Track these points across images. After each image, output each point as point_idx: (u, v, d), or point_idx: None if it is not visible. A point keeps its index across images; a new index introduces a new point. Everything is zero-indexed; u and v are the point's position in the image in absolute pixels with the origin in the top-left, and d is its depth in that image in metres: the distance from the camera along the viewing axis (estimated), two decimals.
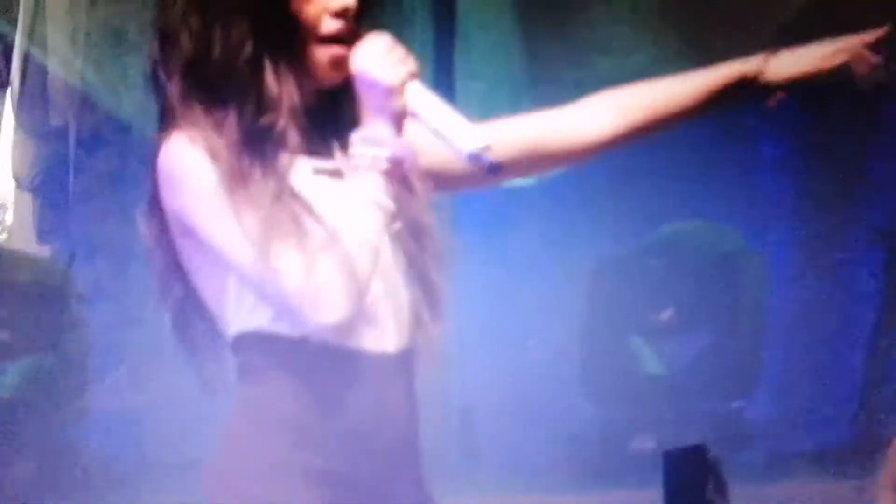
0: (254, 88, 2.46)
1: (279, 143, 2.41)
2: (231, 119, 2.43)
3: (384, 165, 2.44)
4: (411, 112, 2.45)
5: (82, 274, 3.55)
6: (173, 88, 2.44)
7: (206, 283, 2.52)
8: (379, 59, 2.45)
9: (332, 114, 2.56)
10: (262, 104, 2.45)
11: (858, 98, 3.49)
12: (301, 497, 2.47)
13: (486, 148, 2.38)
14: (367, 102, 2.45)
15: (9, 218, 2.96)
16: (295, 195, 2.43)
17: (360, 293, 2.44)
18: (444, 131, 2.43)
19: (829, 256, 4.48)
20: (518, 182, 4.43)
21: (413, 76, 2.44)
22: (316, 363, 2.59)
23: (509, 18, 4.50)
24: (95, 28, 3.93)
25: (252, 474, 2.52)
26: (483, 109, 3.97)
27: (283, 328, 2.50)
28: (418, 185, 2.51)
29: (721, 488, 3.34)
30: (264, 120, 2.44)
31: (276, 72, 2.45)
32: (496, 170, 2.41)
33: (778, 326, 4.48)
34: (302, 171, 2.47)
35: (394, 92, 2.43)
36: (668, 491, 3.29)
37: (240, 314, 2.52)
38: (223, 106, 2.46)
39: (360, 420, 2.59)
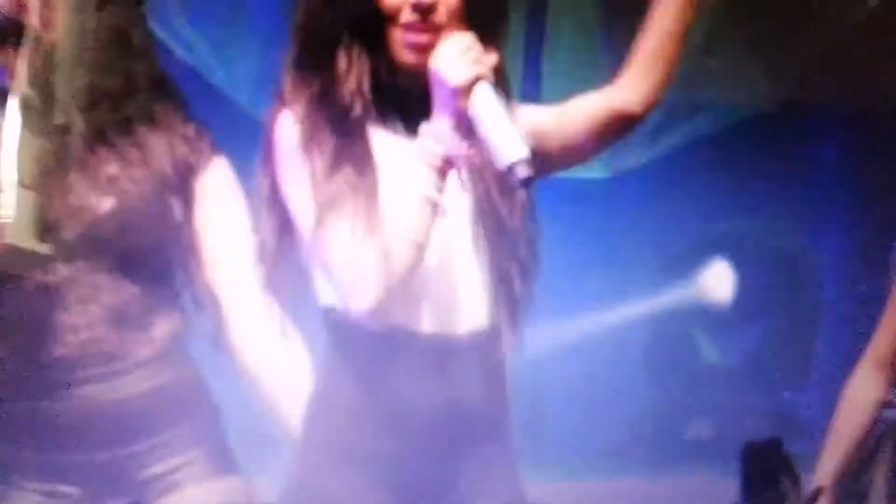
0: (327, 64, 2.53)
1: (348, 116, 2.48)
2: (310, 91, 2.50)
3: (437, 162, 2.44)
4: (471, 112, 2.44)
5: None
6: (283, 68, 2.51)
7: (302, 249, 2.57)
8: (453, 59, 2.44)
9: (418, 96, 2.66)
10: (333, 79, 2.50)
11: None
12: (364, 482, 2.49)
13: (523, 161, 2.37)
14: (436, 99, 2.46)
15: (11, 215, 2.79)
16: (362, 170, 2.51)
17: (393, 284, 2.45)
18: (491, 137, 2.42)
19: (882, 252, 4.52)
20: (592, 176, 4.39)
21: (482, 78, 2.41)
22: (376, 344, 2.61)
23: (592, 9, 4.49)
24: (103, 31, 3.90)
25: (323, 457, 2.56)
26: (568, 83, 4.09)
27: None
28: (504, 187, 2.50)
29: (796, 481, 3.29)
30: (331, 95, 2.51)
31: (348, 51, 2.50)
32: (527, 183, 2.39)
33: (832, 320, 4.49)
34: (377, 143, 2.52)
35: (459, 92, 2.43)
36: (745, 482, 3.19)
37: (322, 287, 2.56)
38: (308, 79, 2.53)
39: (420, 401, 2.58)
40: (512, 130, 2.41)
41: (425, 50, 2.47)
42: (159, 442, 2.73)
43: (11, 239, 2.72)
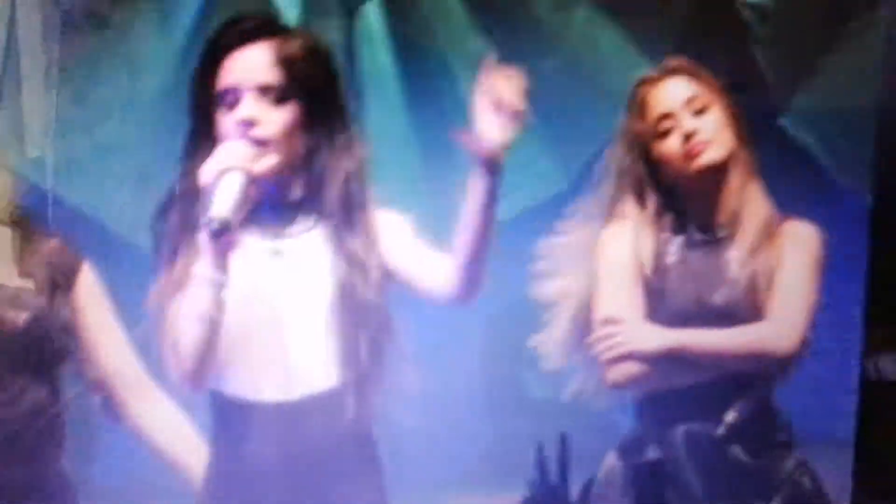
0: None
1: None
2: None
3: (206, 248, 2.63)
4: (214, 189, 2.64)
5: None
6: None
7: None
8: (210, 162, 2.67)
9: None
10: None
11: None
12: None
13: (216, 219, 2.58)
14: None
15: None
16: (190, 268, 2.68)
17: (186, 358, 2.62)
18: (213, 199, 2.62)
19: None
20: None
21: (226, 172, 2.64)
22: (217, 411, 2.76)
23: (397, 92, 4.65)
24: (70, 60, 3.58)
25: None
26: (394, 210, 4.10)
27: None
28: (358, 264, 2.73)
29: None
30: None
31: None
32: (217, 235, 2.57)
33: None
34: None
35: (208, 188, 2.63)
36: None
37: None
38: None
39: (255, 465, 2.73)
40: (228, 199, 2.62)
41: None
42: None
43: None
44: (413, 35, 4.43)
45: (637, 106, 3.52)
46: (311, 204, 2.79)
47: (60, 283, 2.84)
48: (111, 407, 2.89)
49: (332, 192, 2.78)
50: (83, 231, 3.07)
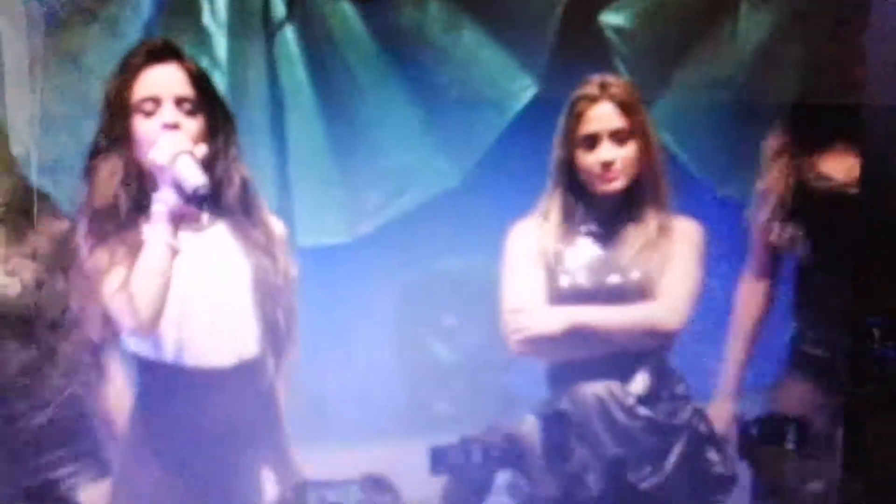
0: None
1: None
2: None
3: (163, 218, 2.82)
4: (174, 171, 2.83)
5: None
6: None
7: None
8: (159, 146, 2.88)
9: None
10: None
11: None
12: (164, 474, 2.86)
13: (201, 185, 2.79)
14: (158, 175, 2.90)
15: None
16: (140, 234, 2.82)
17: (142, 308, 2.72)
18: (182, 177, 2.82)
19: None
20: (336, 241, 4.84)
21: (181, 153, 2.82)
22: (163, 375, 2.87)
23: (313, 105, 4.82)
24: (53, 56, 3.48)
25: (136, 457, 2.91)
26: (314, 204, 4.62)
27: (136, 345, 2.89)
28: (263, 239, 2.90)
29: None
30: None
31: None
32: (200, 200, 2.77)
33: None
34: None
35: (165, 168, 2.84)
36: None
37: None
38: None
39: (198, 423, 2.88)
40: (194, 172, 2.81)
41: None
42: (58, 455, 3.04)
43: None
44: (326, 56, 4.78)
45: (573, 117, 3.77)
46: (211, 202, 3.01)
47: (62, 262, 3.03)
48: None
49: (231, 193, 3.01)
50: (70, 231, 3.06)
